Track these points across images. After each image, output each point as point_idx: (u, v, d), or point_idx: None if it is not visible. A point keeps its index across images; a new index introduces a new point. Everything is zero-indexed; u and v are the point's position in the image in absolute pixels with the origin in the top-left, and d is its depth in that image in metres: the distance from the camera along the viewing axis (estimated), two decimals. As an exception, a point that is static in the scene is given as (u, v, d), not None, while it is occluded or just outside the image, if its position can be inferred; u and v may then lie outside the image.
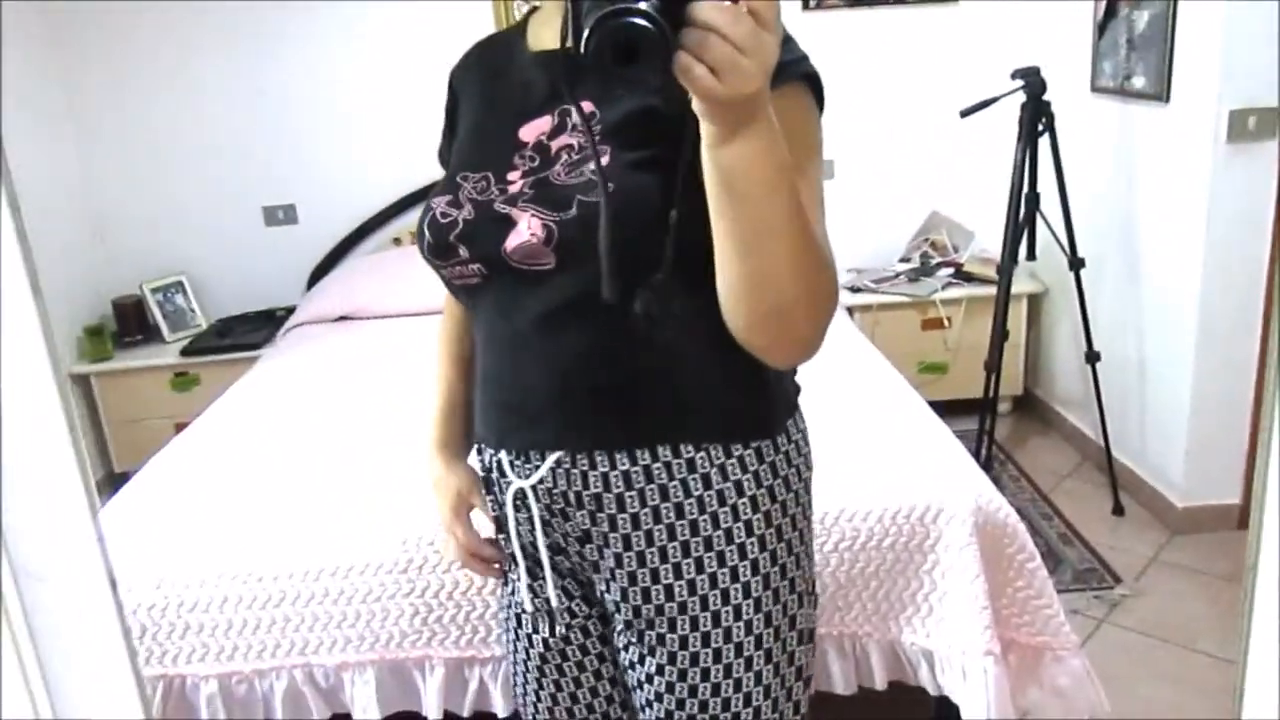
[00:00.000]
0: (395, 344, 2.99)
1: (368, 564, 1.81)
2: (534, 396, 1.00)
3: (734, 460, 0.99)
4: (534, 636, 1.13)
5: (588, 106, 0.95)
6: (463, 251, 0.99)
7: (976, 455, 3.05)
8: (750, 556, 1.00)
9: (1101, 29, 2.86)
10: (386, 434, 2.28)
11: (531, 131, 1.00)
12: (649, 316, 0.87)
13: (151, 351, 3.46)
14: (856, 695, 1.92)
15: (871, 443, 2.04)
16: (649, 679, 1.04)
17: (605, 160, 0.91)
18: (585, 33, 0.65)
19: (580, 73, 0.75)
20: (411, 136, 3.52)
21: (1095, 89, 2.94)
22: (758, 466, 1.00)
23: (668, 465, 0.98)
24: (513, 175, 0.98)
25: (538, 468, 1.01)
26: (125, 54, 3.42)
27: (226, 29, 3.42)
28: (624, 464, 0.98)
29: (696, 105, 0.70)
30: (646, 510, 0.99)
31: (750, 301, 0.82)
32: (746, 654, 1.01)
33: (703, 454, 0.98)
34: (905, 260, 3.59)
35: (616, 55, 0.65)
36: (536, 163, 0.98)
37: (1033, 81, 2.66)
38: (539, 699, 1.16)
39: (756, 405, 1.01)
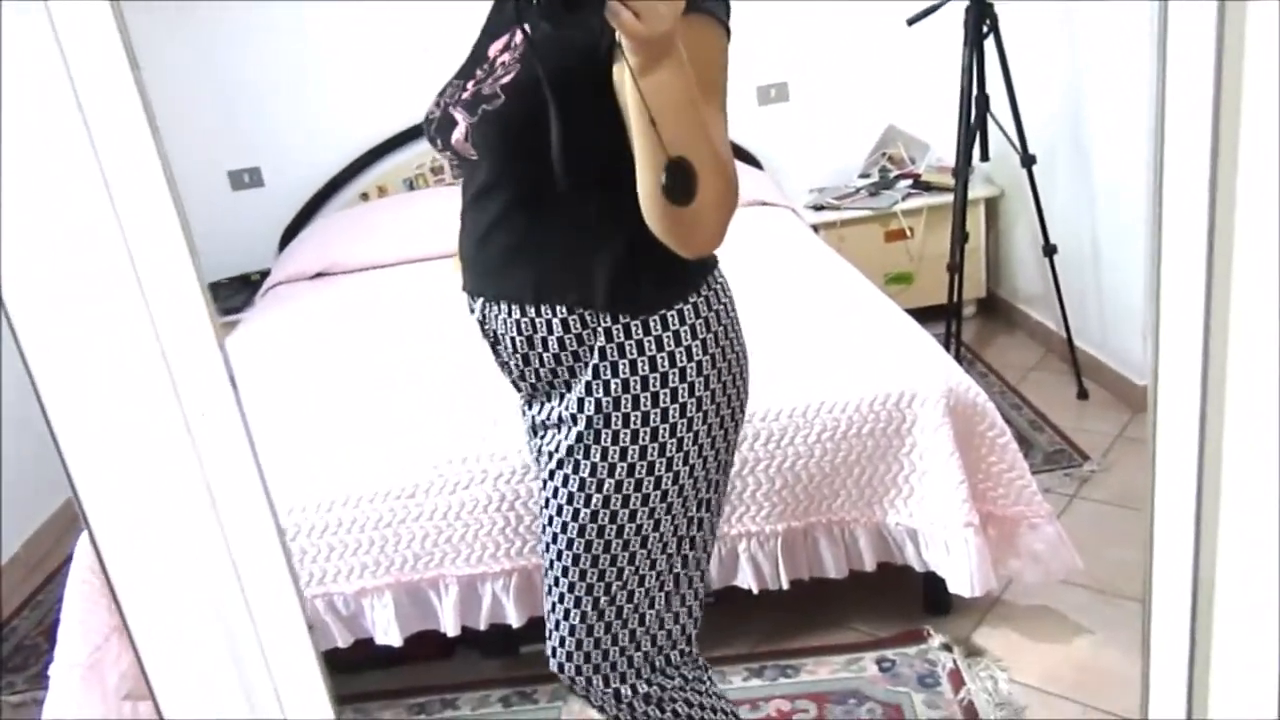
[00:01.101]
0: (373, 294, 3.04)
1: (376, 492, 1.89)
2: (469, 253, 1.25)
3: (605, 329, 1.15)
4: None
5: (519, 35, 1.13)
6: (437, 142, 1.22)
7: (946, 355, 3.17)
8: (604, 416, 1.17)
9: (1039, -71, 2.92)
10: (376, 375, 2.35)
11: (495, 48, 1.19)
12: (569, 172, 1.04)
13: (130, 324, 3.48)
14: (848, 579, 2.05)
15: (845, 340, 2.13)
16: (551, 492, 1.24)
17: (514, 67, 1.12)
18: None
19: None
20: (371, 92, 3.54)
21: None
22: (623, 340, 1.15)
23: (563, 323, 1.16)
24: (469, 84, 1.19)
25: (474, 308, 1.26)
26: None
27: (173, -5, 3.40)
28: (519, 313, 1.19)
29: (623, 41, 0.88)
30: (539, 354, 1.20)
31: (667, 208, 0.97)
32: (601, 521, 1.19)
33: (575, 318, 1.16)
34: (865, 176, 3.67)
35: (565, 3, 0.83)
36: (483, 74, 1.17)
37: (975, -15, 2.72)
38: None
39: (633, 286, 1.15)
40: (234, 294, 3.51)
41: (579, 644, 1.24)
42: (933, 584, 2.06)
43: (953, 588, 1.94)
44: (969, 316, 3.58)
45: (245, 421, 0.76)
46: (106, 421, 0.75)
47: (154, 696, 0.76)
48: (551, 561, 1.24)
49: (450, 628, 1.96)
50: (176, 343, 0.74)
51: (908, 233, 3.46)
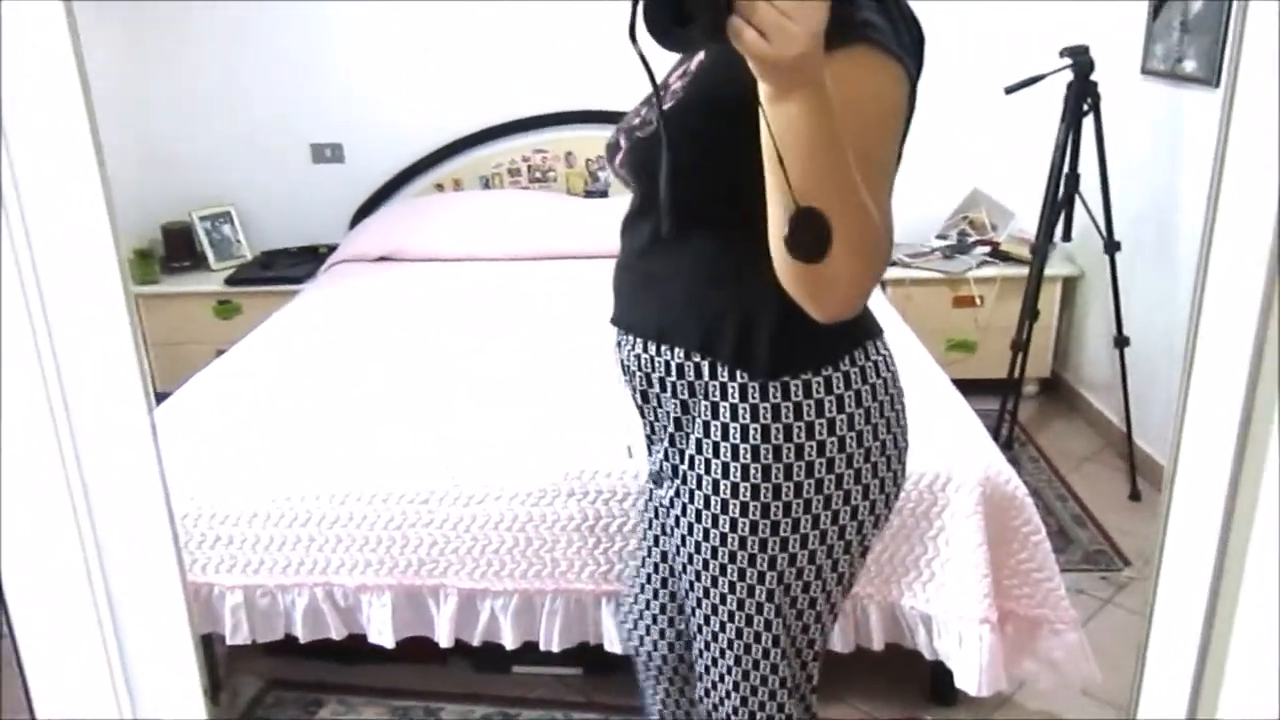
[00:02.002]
0: (430, 286, 3.05)
1: (390, 492, 1.88)
2: (615, 278, 1.23)
3: (721, 384, 1.10)
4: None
5: (699, 59, 1.10)
6: (612, 165, 1.21)
7: (997, 434, 3.07)
8: (735, 481, 1.11)
9: (1156, 11, 2.82)
10: (415, 370, 2.35)
11: (675, 75, 1.15)
12: (670, 216, 0.98)
13: (197, 278, 3.55)
14: (853, 654, 1.98)
15: (888, 410, 2.07)
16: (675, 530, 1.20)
17: (679, 95, 1.09)
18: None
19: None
20: (458, 86, 3.56)
21: (1145, 71, 2.90)
22: (741, 401, 1.09)
23: (680, 366, 1.12)
24: (644, 109, 1.16)
25: (615, 333, 1.23)
26: (186, -14, 3.48)
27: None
28: (641, 348, 1.16)
29: (751, 65, 0.76)
30: (656, 393, 1.17)
31: (796, 264, 0.86)
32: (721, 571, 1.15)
33: (692, 365, 1.11)
34: (942, 237, 3.58)
35: (675, 15, 0.72)
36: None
37: (1080, 60, 2.64)
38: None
39: (762, 343, 1.07)
40: (299, 264, 3.56)
41: (726, 695, 1.23)
42: (941, 673, 1.98)
43: (959, 683, 1.86)
44: (1029, 395, 3.47)
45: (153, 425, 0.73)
46: None
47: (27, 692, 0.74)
48: (692, 609, 1.22)
49: (444, 638, 1.95)
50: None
51: (977, 301, 3.37)
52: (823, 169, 0.81)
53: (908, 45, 0.98)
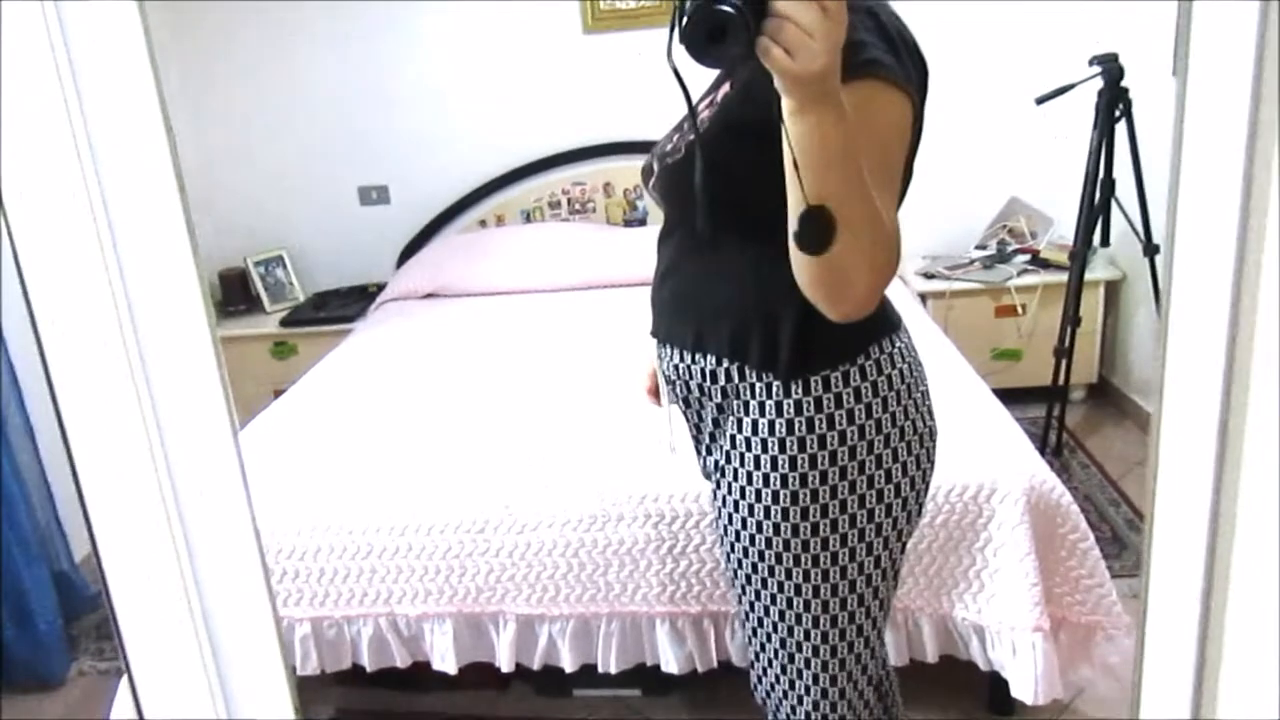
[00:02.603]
0: (477, 320, 3.14)
1: (447, 523, 1.94)
2: (652, 295, 1.31)
3: (752, 384, 1.18)
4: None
5: (725, 89, 1.20)
6: (648, 188, 1.30)
7: (1045, 441, 3.06)
8: (771, 484, 1.18)
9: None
10: (467, 403, 2.42)
11: (704, 104, 1.23)
12: (714, 223, 1.06)
13: (253, 321, 3.68)
14: (908, 667, 2.00)
15: (930, 423, 2.09)
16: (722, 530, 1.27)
17: (711, 117, 1.18)
18: (684, 18, 0.82)
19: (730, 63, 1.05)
20: (496, 125, 3.66)
21: (1177, 72, 2.90)
22: (775, 399, 1.17)
23: (713, 372, 1.21)
24: (676, 136, 1.25)
25: (655, 345, 1.32)
26: (236, 41, 3.63)
27: (333, 21, 3.59)
28: (678, 358, 1.25)
29: (777, 81, 0.86)
30: (697, 398, 1.26)
31: (809, 261, 0.96)
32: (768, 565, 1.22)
33: (725, 370, 1.20)
34: (982, 247, 3.59)
35: (710, 34, 0.82)
36: (686, 127, 1.23)
37: (1110, 68, 2.65)
38: None
39: (791, 345, 1.15)
40: (350, 303, 3.66)
41: (764, 673, 1.30)
42: (998, 683, 1.99)
43: (1015, 692, 1.87)
44: (1077, 401, 3.45)
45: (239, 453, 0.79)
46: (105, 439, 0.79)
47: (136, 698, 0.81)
48: (746, 612, 1.28)
49: (505, 663, 2.00)
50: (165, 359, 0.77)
51: (1019, 309, 3.37)
52: (838, 175, 0.90)
53: (912, 76, 1.08)
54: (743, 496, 1.21)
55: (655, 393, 1.45)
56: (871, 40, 1.04)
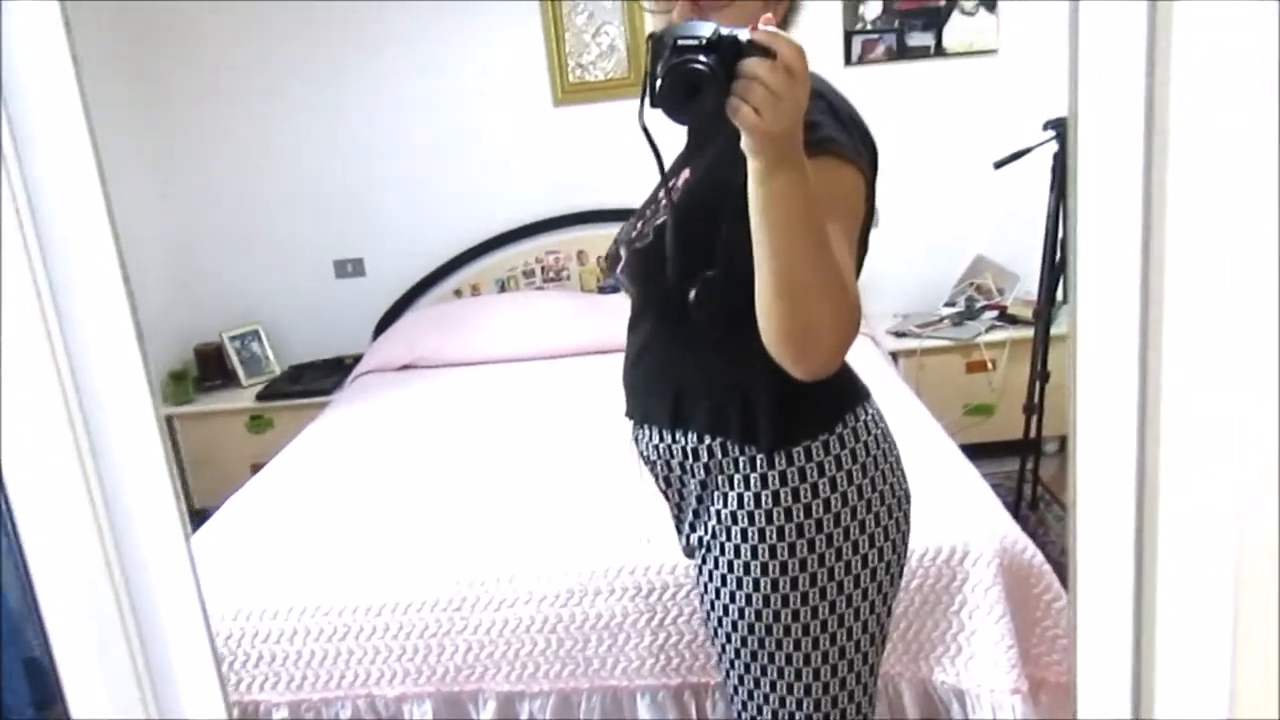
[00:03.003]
0: (454, 392, 3.15)
1: (425, 601, 1.94)
2: (625, 377, 1.33)
3: (735, 459, 1.20)
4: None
5: (686, 174, 1.25)
6: (613, 275, 1.33)
7: (1019, 495, 3.09)
8: (752, 555, 1.20)
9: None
10: (444, 478, 2.43)
11: (663, 190, 1.25)
12: (699, 302, 1.12)
13: (229, 395, 3.67)
14: (891, 732, 2.00)
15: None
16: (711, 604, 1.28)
17: (675, 202, 1.21)
18: (658, 79, 0.88)
19: (695, 146, 1.20)
20: (469, 196, 3.72)
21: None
22: (756, 471, 1.19)
23: (695, 449, 1.23)
24: (639, 223, 1.29)
25: (631, 428, 1.34)
26: (210, 117, 3.68)
27: (306, 95, 3.66)
28: (658, 437, 1.27)
29: (744, 142, 0.91)
30: (678, 476, 1.28)
31: (778, 315, 1.00)
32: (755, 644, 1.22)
33: (706, 447, 1.21)
34: (950, 304, 3.65)
35: (685, 93, 0.87)
36: (650, 213, 1.27)
37: (1063, 133, 2.73)
38: None
39: (769, 418, 1.18)
40: (326, 376, 3.67)
41: None
42: (979, 746, 1.99)
43: (998, 754, 1.88)
44: (1051, 454, 3.49)
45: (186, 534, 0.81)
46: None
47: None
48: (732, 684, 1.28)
49: (485, 741, 1.98)
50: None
51: (989, 365, 3.42)
52: (803, 233, 0.95)
53: (863, 154, 1.13)
54: (730, 570, 1.22)
55: None
56: (825, 120, 1.10)
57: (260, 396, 3.61)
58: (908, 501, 1.27)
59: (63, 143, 0.76)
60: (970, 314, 3.54)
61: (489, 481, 2.37)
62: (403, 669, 1.95)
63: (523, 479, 2.36)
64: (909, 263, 3.67)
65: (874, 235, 1.24)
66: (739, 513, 1.20)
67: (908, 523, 1.27)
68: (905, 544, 1.27)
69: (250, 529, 2.28)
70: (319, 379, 3.66)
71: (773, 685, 1.24)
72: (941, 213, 3.67)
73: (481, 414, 2.90)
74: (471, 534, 2.11)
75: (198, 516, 3.50)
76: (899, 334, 3.53)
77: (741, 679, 1.26)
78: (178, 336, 3.76)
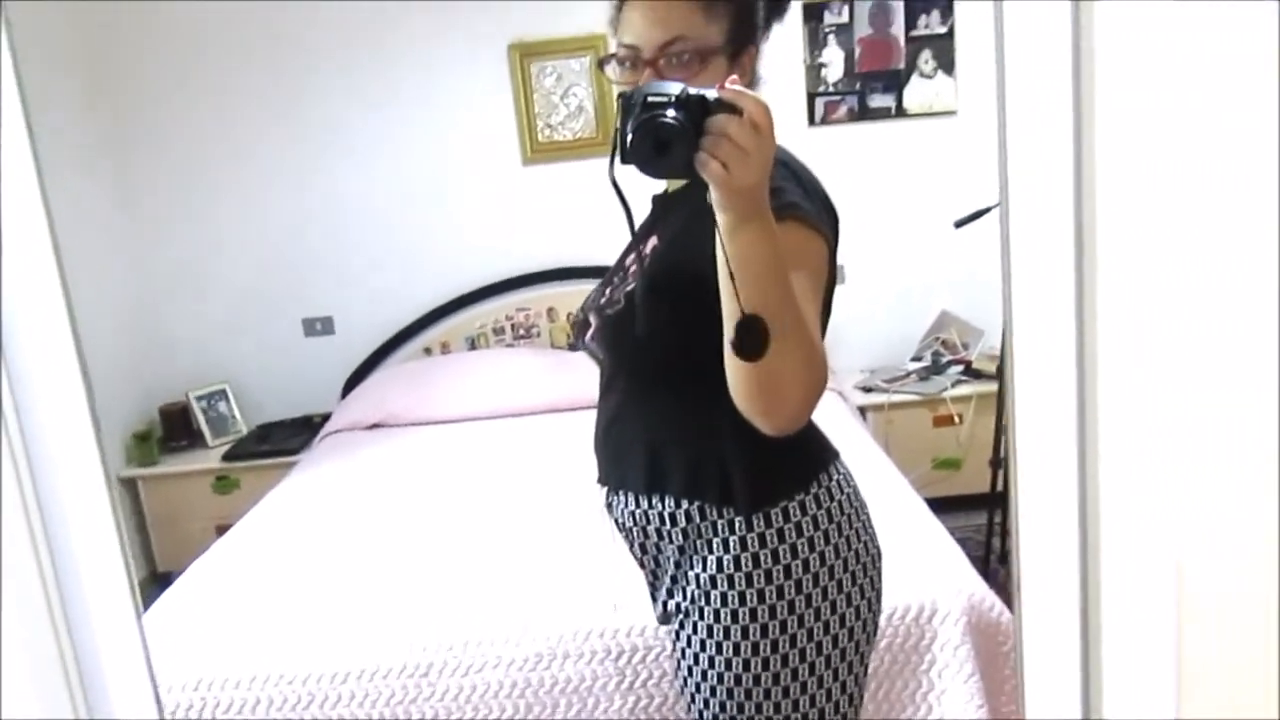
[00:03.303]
0: (424, 451, 3.13)
1: (390, 668, 1.91)
2: (597, 444, 1.34)
3: (713, 521, 1.20)
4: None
5: (653, 242, 1.26)
6: (579, 343, 1.33)
7: (988, 550, 3.11)
8: (733, 619, 1.20)
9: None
10: (412, 539, 2.41)
11: (630, 259, 1.29)
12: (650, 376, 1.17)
13: (195, 456, 3.63)
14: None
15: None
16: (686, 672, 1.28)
17: (645, 270, 1.24)
18: (629, 135, 0.90)
19: (662, 213, 1.24)
20: (440, 254, 3.74)
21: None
22: (734, 534, 1.20)
23: (672, 514, 1.23)
24: (607, 290, 1.30)
25: (604, 496, 1.34)
26: (180, 177, 3.68)
27: (276, 154, 3.67)
28: (634, 504, 1.27)
29: (713, 196, 0.93)
30: (654, 542, 1.28)
31: (749, 369, 1.00)
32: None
33: (683, 511, 1.21)
34: (917, 359, 3.69)
35: (655, 147, 0.89)
36: (618, 281, 1.29)
37: (1023, 192, 2.79)
38: None
39: (745, 480, 1.19)
40: (294, 435, 3.64)
41: None
42: (952, 807, 1.98)
43: (970, 815, 1.86)
44: (1019, 507, 3.51)
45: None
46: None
47: None
48: None
49: (453, 811, 1.94)
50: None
51: (956, 419, 3.46)
52: (770, 285, 0.97)
53: (825, 220, 1.16)
54: (710, 635, 1.22)
55: None
56: (790, 186, 1.13)
57: (226, 457, 3.57)
58: (879, 559, 1.29)
59: (13, 207, 0.76)
60: (936, 369, 3.58)
61: (457, 543, 2.35)
62: (368, 738, 1.92)
63: (491, 540, 2.35)
64: (875, 318, 3.72)
65: (840, 291, 1.27)
66: (719, 577, 1.20)
67: (880, 580, 1.29)
68: (879, 602, 1.29)
69: (213, 594, 2.24)
70: (287, 438, 3.63)
71: None
72: (906, 269, 3.73)
73: (450, 473, 2.88)
74: (438, 598, 2.08)
75: (161, 579, 3.45)
76: (867, 389, 3.56)
77: None
78: (143, 397, 3.73)
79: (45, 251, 0.78)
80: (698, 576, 1.23)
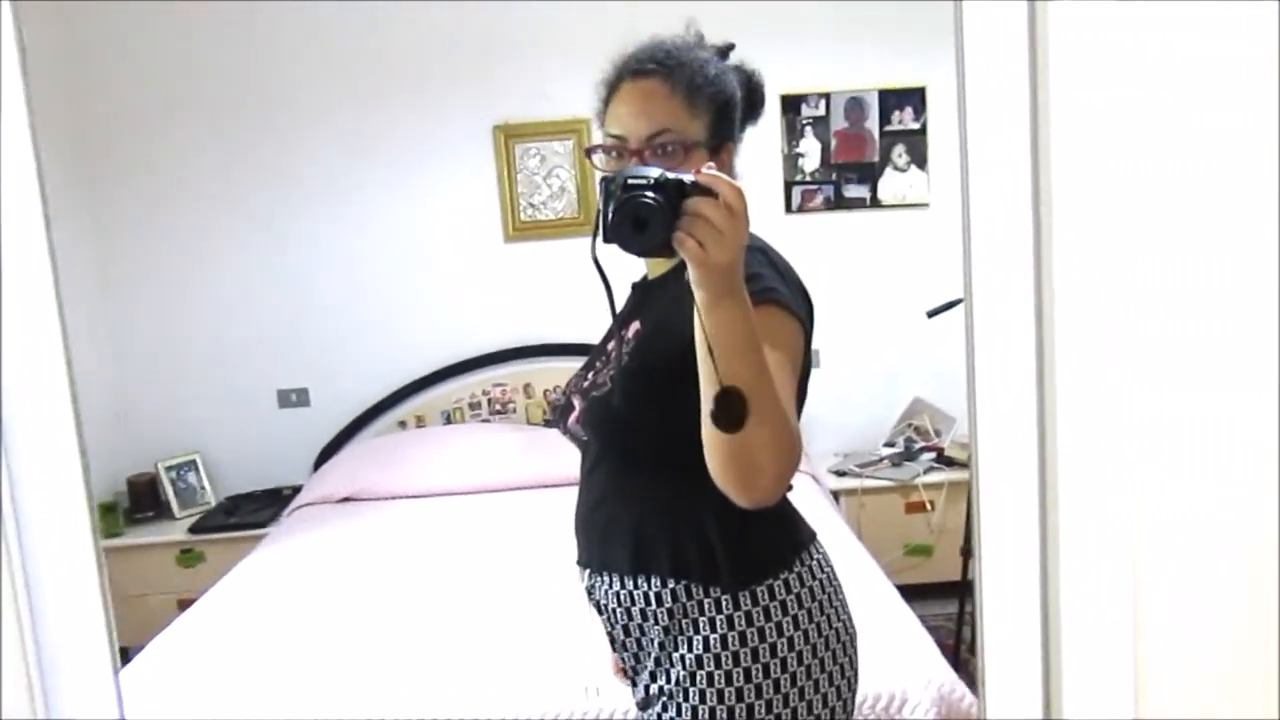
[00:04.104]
0: (395, 525, 3.11)
1: (353, 749, 1.87)
2: (580, 525, 1.35)
3: (699, 601, 1.22)
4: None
5: (635, 327, 1.30)
6: (560, 426, 1.36)
7: (958, 639, 3.10)
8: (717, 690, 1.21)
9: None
10: (380, 615, 2.37)
11: (612, 344, 1.31)
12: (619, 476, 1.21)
13: (161, 528, 3.57)
14: None
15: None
16: None
17: (628, 354, 1.28)
18: (609, 215, 0.95)
19: (643, 298, 1.28)
20: (418, 328, 3.76)
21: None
22: (720, 613, 1.21)
23: (658, 595, 1.24)
24: (589, 374, 1.34)
25: (583, 578, 1.35)
26: (156, 243, 3.69)
27: (253, 222, 3.70)
28: (619, 584, 1.28)
29: (690, 274, 0.97)
30: (638, 624, 1.28)
31: (725, 442, 1.02)
32: None
33: (669, 590, 1.22)
34: (890, 445, 3.72)
35: (634, 224, 0.94)
36: (601, 365, 1.33)
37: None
38: None
39: (730, 560, 1.21)
40: (263, 508, 3.60)
41: None
42: None
43: None
44: (990, 595, 3.51)
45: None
46: None
47: None
48: None
49: None
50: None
51: (928, 505, 3.47)
52: (746, 360, 1.00)
53: (801, 306, 1.21)
54: (696, 712, 1.22)
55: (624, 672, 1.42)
56: (768, 273, 1.18)
57: (193, 529, 3.51)
58: (856, 640, 1.31)
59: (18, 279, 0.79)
60: (909, 455, 3.61)
61: (427, 620, 2.32)
62: (326, 823, 1.86)
63: (463, 618, 2.32)
64: (849, 403, 3.75)
65: (815, 375, 1.31)
66: (706, 657, 1.21)
67: (857, 660, 1.31)
68: (856, 681, 1.30)
69: (173, 671, 2.19)
70: (255, 511, 3.58)
71: None
72: (880, 355, 3.78)
73: (422, 549, 2.85)
74: (406, 676, 2.05)
75: (121, 654, 3.35)
76: (840, 473, 3.57)
77: None
78: (111, 467, 3.68)
79: (51, 326, 0.81)
80: (683, 658, 1.23)
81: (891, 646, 2.03)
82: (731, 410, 0.98)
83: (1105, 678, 0.84)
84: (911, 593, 2.52)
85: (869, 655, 2.00)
